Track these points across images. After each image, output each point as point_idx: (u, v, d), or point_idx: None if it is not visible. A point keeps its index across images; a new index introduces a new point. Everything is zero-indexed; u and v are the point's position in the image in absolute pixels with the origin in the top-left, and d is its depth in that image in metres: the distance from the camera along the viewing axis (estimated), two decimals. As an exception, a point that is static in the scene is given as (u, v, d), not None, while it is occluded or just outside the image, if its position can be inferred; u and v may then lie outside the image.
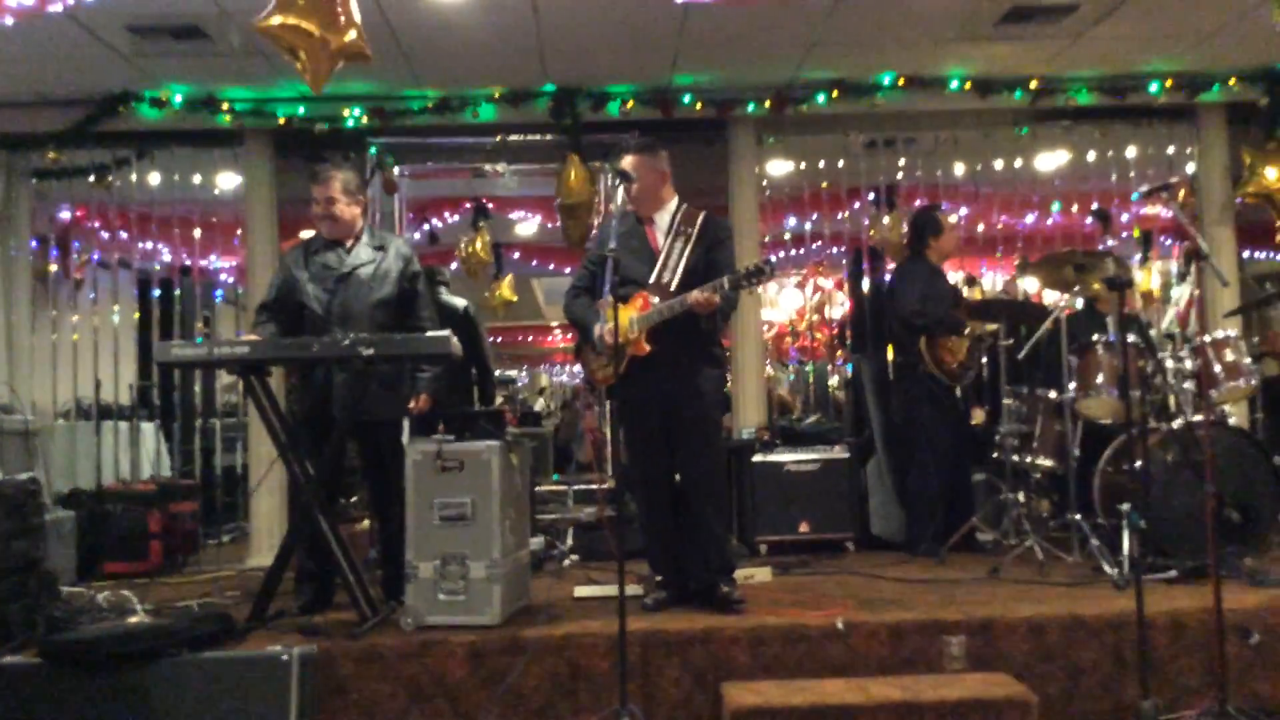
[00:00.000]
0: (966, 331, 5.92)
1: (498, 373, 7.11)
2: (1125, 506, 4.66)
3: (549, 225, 9.14)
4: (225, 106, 6.83)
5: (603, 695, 3.98)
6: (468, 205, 8.95)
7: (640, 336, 4.47)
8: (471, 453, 4.35)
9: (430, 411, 4.89)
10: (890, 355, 6.44)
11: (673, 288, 4.50)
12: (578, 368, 5.09)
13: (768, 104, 6.92)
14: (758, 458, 6.24)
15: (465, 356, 4.96)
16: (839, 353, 8.81)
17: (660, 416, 4.57)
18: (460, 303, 6.88)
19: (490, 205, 8.90)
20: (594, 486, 6.49)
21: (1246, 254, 8.22)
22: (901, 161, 7.74)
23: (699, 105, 6.96)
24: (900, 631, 4.17)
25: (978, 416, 6.32)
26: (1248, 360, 5.33)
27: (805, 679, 4.04)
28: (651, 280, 4.56)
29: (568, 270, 9.35)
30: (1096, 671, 4.14)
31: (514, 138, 7.18)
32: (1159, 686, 3.99)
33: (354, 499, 5.98)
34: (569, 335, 4.78)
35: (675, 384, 4.53)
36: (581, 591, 4.99)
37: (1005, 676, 4.03)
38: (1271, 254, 8.77)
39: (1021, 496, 5.64)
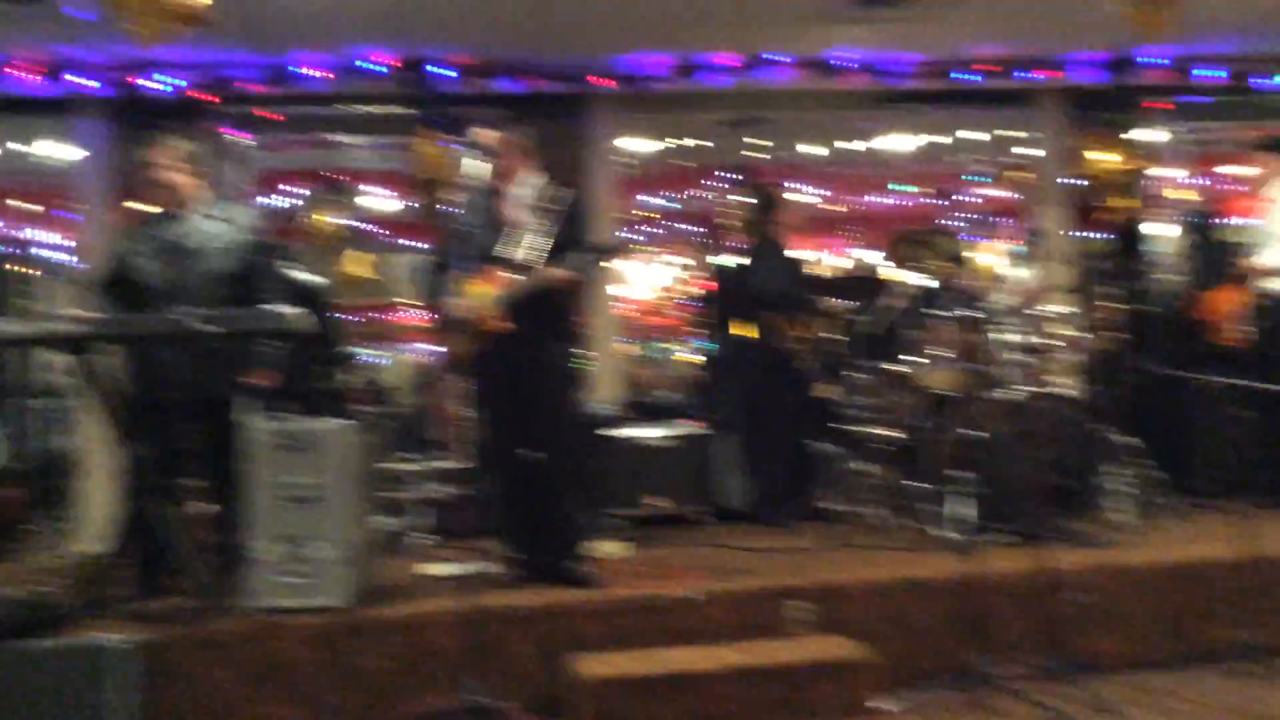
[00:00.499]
0: (816, 308, 6.07)
1: (351, 350, 6.95)
2: (966, 474, 4.84)
3: (405, 200, 8.96)
4: (60, 73, 6.48)
5: (453, 673, 3.94)
6: (320, 178, 8.69)
7: (497, 313, 4.43)
8: (320, 431, 4.24)
9: (277, 390, 4.74)
10: (743, 331, 6.54)
11: (529, 263, 4.47)
12: (435, 345, 5.02)
13: (627, 81, 6.91)
14: (613, 433, 6.27)
15: (314, 334, 4.83)
16: (696, 330, 8.90)
17: (514, 392, 4.54)
18: (309, 278, 6.68)
19: (345, 179, 8.67)
20: (449, 465, 6.40)
21: (1081, 234, 8.54)
22: (756, 141, 7.83)
23: (558, 81, 6.91)
24: (751, 599, 4.25)
25: (827, 389, 6.45)
26: (1081, 334, 5.58)
27: (658, 649, 4.08)
28: (508, 255, 4.52)
29: (424, 246, 9.19)
30: (935, 632, 4.30)
31: (367, 109, 7.00)
32: (993, 645, 4.16)
33: (190, 481, 5.74)
34: (426, 312, 4.73)
35: (530, 360, 4.51)
36: (433, 570, 4.92)
37: (849, 640, 4.14)
38: (1104, 235, 9.11)
39: (868, 466, 5.80)
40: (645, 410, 6.64)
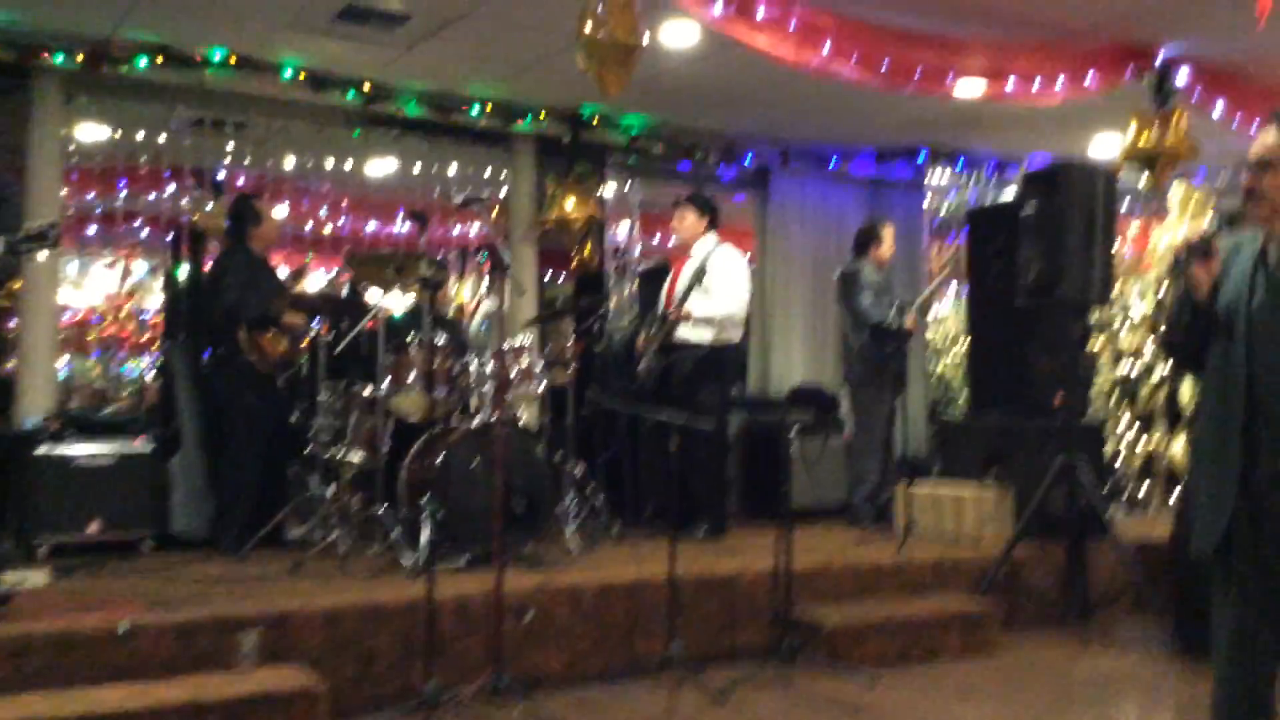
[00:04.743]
0: (286, 323, 5.87)
1: None
2: (426, 499, 4.88)
3: None
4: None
5: None
6: None
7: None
8: None
9: None
10: (210, 344, 6.19)
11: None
12: None
13: (80, 58, 6.24)
14: (43, 450, 5.60)
15: None
16: (153, 342, 8.24)
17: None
18: None
19: None
20: None
21: (547, 274, 9.03)
22: (230, 146, 7.42)
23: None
24: (190, 630, 3.97)
25: (295, 410, 6.23)
26: (539, 367, 5.88)
27: (80, 689, 3.67)
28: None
29: None
30: (388, 656, 4.29)
31: None
32: (444, 665, 4.22)
33: None
34: None
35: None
36: None
37: (297, 668, 4.00)
38: (567, 278, 9.71)
39: (332, 490, 5.67)
40: (86, 425, 6.00)
